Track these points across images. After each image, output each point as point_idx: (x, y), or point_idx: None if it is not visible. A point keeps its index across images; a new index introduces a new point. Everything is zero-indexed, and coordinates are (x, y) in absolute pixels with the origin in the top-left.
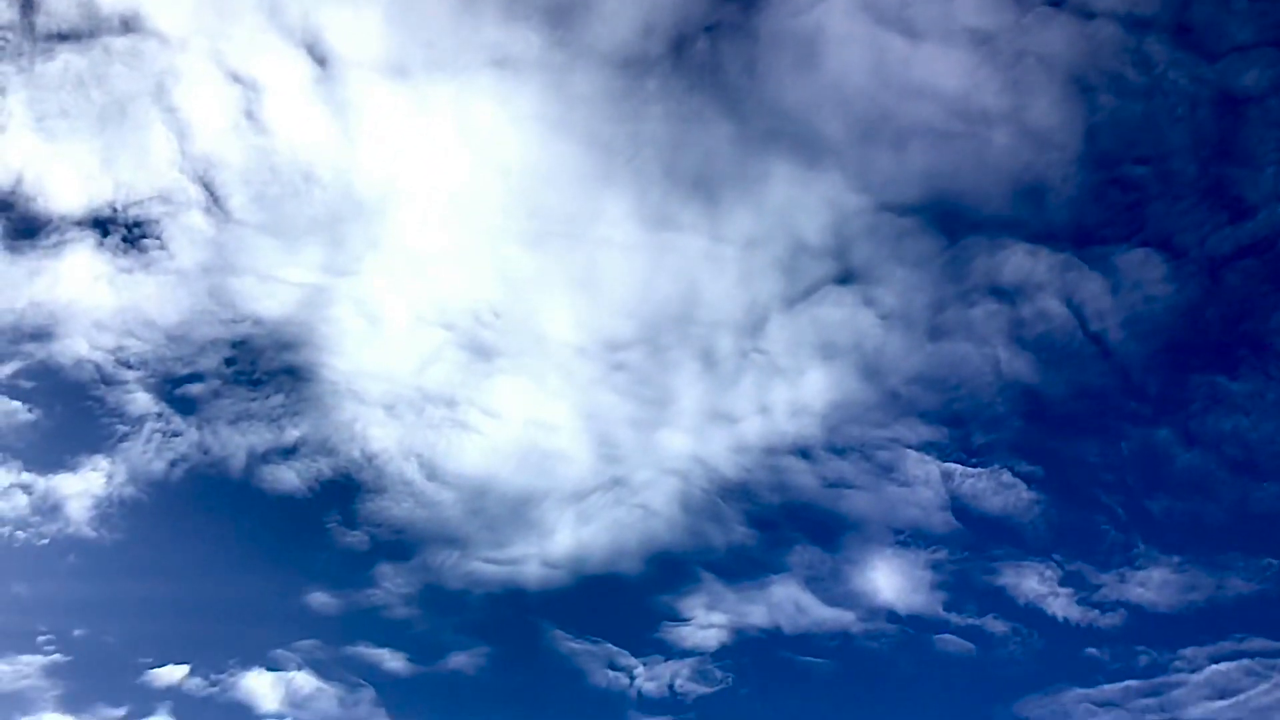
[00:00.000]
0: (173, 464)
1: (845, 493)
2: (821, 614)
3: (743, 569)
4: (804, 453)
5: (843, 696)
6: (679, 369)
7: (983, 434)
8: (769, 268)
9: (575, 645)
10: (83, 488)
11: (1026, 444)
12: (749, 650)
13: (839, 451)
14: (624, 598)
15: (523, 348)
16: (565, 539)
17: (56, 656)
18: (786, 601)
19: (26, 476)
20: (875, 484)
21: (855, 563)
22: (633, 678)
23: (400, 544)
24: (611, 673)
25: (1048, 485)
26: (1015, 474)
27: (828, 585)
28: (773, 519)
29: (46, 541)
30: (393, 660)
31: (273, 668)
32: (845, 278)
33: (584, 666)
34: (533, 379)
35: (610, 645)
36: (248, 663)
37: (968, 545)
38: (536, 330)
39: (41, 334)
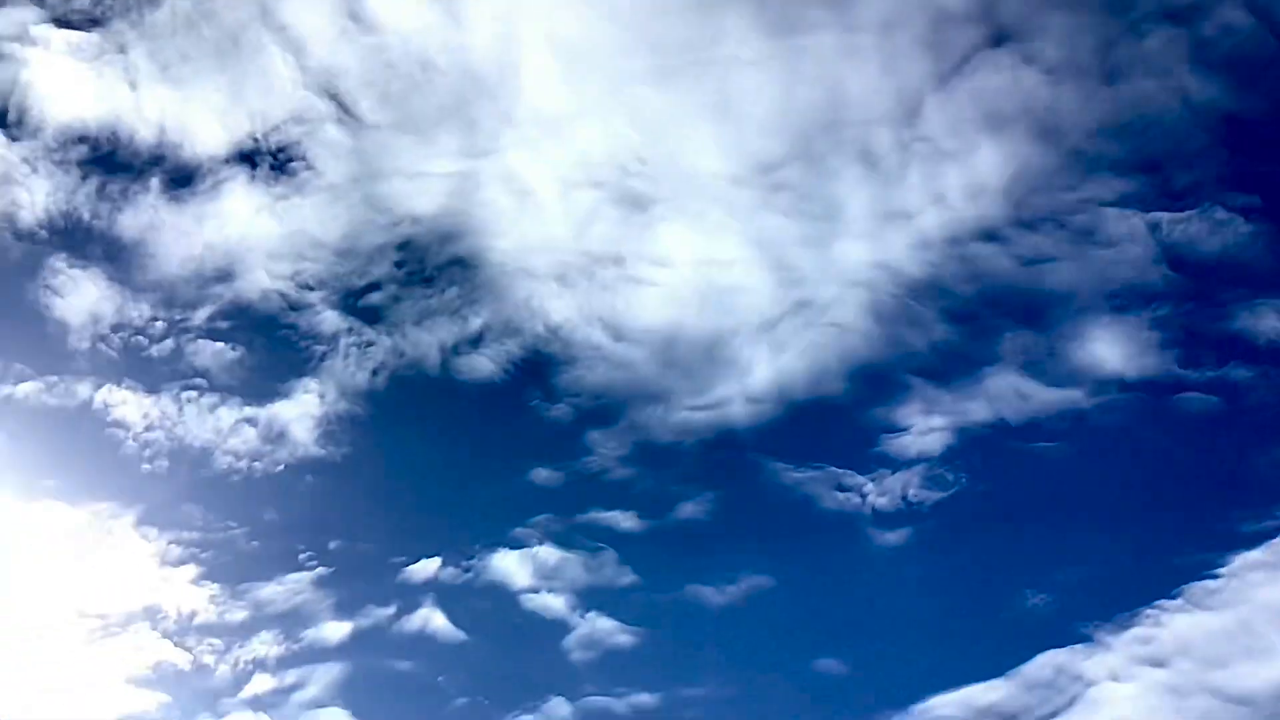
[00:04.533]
0: (374, 373)
1: (1045, 268)
2: (1046, 397)
3: (952, 367)
4: (991, 235)
5: (1084, 477)
6: (840, 177)
7: (1184, 174)
8: (912, 48)
9: (798, 475)
10: (300, 411)
11: (1234, 174)
12: (976, 448)
13: (1029, 225)
14: (836, 419)
15: (676, 189)
16: (764, 372)
17: (320, 570)
18: (1006, 391)
19: (248, 410)
20: (1076, 252)
21: (1071, 338)
22: (863, 496)
23: (604, 409)
24: (840, 494)
25: (1268, 214)
26: (1229, 209)
27: (1046, 366)
28: (972, 311)
29: (282, 467)
30: (624, 520)
31: (515, 546)
32: (998, 39)
33: (812, 493)
34: (693, 219)
35: (833, 468)
36: (491, 545)
37: (1191, 295)
38: (686, 169)
39: (223, 275)
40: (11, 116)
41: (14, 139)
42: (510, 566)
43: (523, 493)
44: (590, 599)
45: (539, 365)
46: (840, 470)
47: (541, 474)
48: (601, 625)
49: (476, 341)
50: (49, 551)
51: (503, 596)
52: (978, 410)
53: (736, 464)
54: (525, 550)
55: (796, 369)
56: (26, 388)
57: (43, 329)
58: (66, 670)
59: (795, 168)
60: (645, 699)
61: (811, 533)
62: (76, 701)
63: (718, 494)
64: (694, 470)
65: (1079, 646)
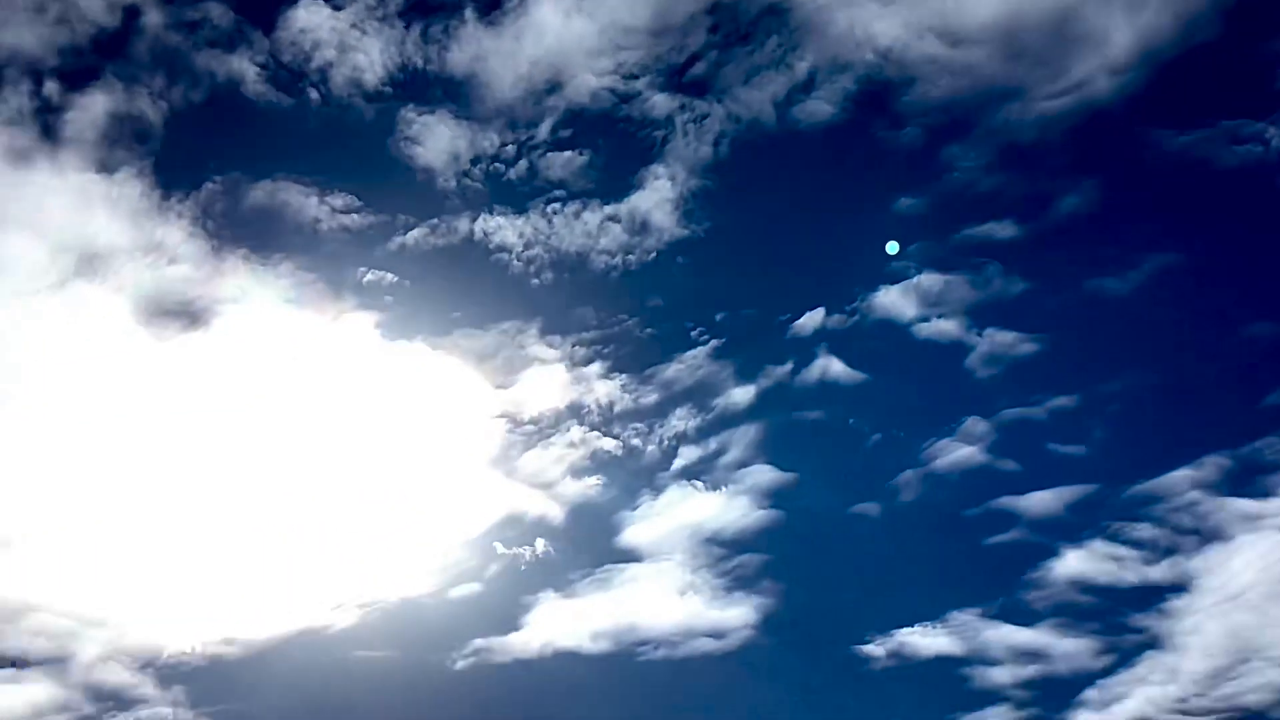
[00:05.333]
0: (715, 144)
1: None
2: None
3: None
4: None
5: None
6: None
7: None
8: None
9: (1184, 139)
10: (656, 198)
11: None
12: None
13: None
14: (1218, 65)
15: None
16: (1123, 37)
17: (713, 343)
18: None
19: (609, 209)
20: None
21: None
22: (1266, 143)
23: (956, 122)
24: (1238, 148)
25: None
26: None
27: None
28: None
29: (653, 255)
30: (1001, 230)
31: (894, 280)
32: None
33: (1205, 155)
34: None
35: (1225, 122)
36: (871, 284)
37: None
38: None
39: (552, 86)
40: None
41: (337, 8)
42: (894, 301)
43: (890, 225)
44: (982, 316)
45: (877, 94)
46: (1233, 122)
47: (905, 203)
48: (1000, 340)
49: (808, 86)
50: (472, 376)
51: (893, 331)
52: None
53: (1112, 144)
54: (906, 282)
55: (1161, 23)
56: (415, 234)
57: (412, 178)
58: (510, 472)
59: None
60: (1063, 402)
61: (1214, 197)
62: (525, 498)
63: (1098, 180)
64: (1066, 162)
65: None
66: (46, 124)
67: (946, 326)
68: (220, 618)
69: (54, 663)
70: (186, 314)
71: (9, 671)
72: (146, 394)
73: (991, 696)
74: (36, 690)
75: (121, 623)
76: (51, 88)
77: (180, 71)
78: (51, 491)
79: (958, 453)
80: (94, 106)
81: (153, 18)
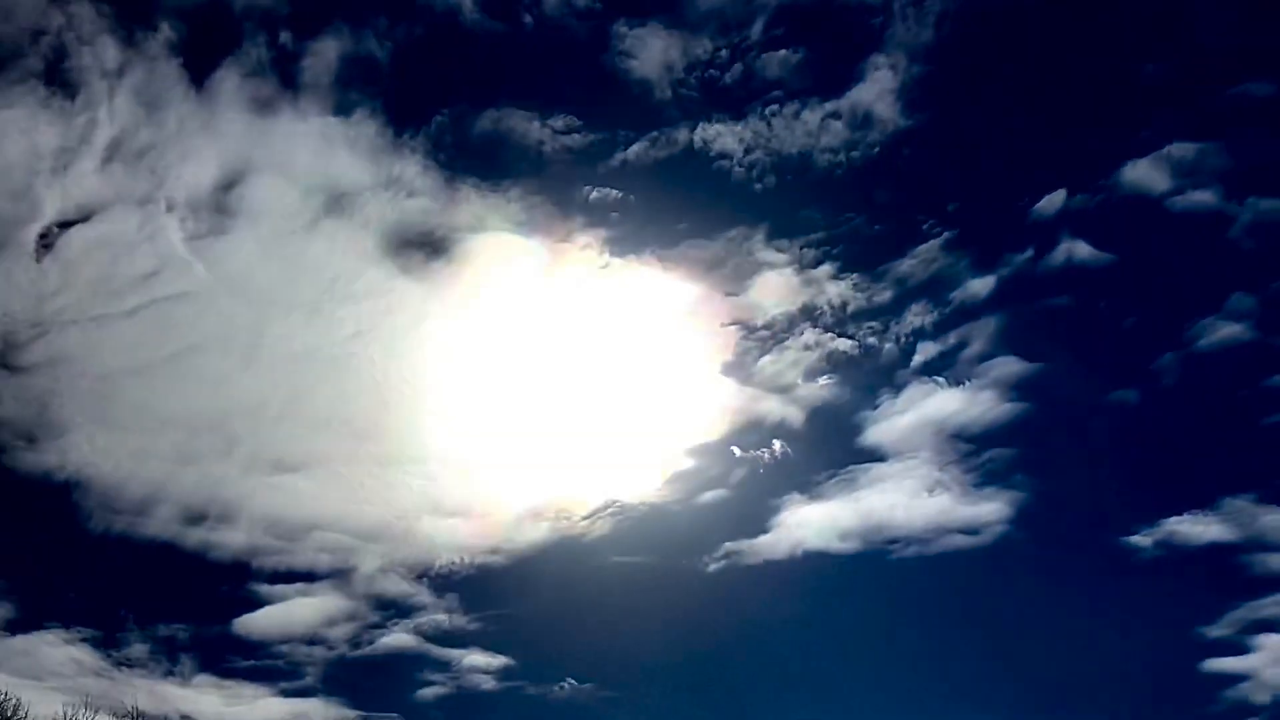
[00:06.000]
0: (936, 26)
1: None
2: None
3: None
4: None
5: None
6: None
7: None
8: None
9: None
10: (877, 89)
11: None
12: None
13: None
14: None
15: None
16: None
17: (945, 234)
18: None
19: (828, 105)
20: None
21: None
22: None
23: None
24: None
25: None
26: None
27: None
28: None
29: (877, 149)
30: (1266, 90)
31: (1142, 151)
32: None
33: None
34: None
35: None
36: (1115, 159)
37: None
38: None
39: None
40: None
41: None
42: (1142, 175)
43: (1132, 94)
44: (1245, 183)
45: None
46: None
47: (1148, 69)
48: (1265, 208)
49: None
50: (702, 285)
51: (1142, 207)
52: None
53: None
54: (1155, 154)
55: None
56: (635, 149)
57: (629, 93)
58: (747, 378)
59: None
60: None
61: None
62: (763, 403)
63: None
64: None
65: None
66: (285, 73)
67: (1203, 198)
68: (484, 530)
69: (339, 575)
70: (428, 244)
71: (300, 585)
72: (398, 323)
73: (1272, 583)
74: (326, 601)
75: (395, 537)
76: (286, 37)
77: (401, 9)
78: (325, 417)
79: (1224, 331)
80: (326, 52)
81: None
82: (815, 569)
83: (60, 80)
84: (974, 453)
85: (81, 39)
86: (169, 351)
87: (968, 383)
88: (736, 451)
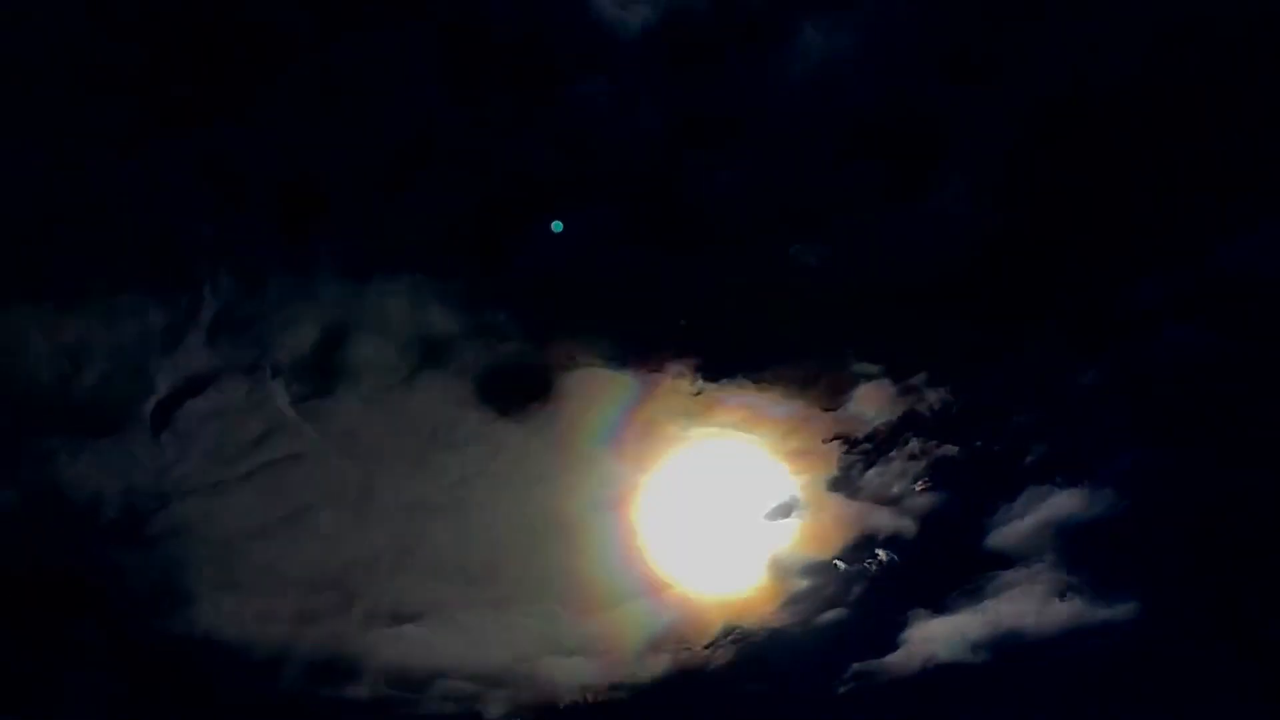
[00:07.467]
0: (1010, 124)
1: None
2: None
3: None
4: None
5: None
6: None
7: None
8: None
9: None
10: (953, 193)
11: None
12: None
13: None
14: None
15: None
16: None
17: (1047, 326)
18: None
19: (910, 210)
20: None
21: None
22: None
23: None
24: None
25: None
26: None
27: None
28: None
29: (964, 248)
30: None
31: (1249, 227)
32: None
33: None
34: None
35: None
36: (1218, 234)
37: None
38: None
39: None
40: None
41: None
42: (1242, 252)
43: (1223, 167)
44: None
45: None
46: None
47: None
48: None
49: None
50: (799, 401)
51: (1253, 285)
52: None
53: None
54: (1253, 230)
55: None
56: (718, 272)
57: (707, 217)
58: (854, 493)
59: None
60: None
61: None
62: (874, 517)
63: None
64: None
65: None
66: (374, 234)
67: None
68: (606, 666)
69: None
70: (523, 386)
71: None
72: (500, 465)
73: None
74: None
75: (518, 680)
76: (375, 199)
77: (482, 167)
78: (439, 565)
79: None
80: (413, 211)
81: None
82: (949, 683)
83: (165, 262)
84: (1102, 551)
85: (182, 222)
86: (284, 512)
87: (1086, 481)
88: (851, 568)
